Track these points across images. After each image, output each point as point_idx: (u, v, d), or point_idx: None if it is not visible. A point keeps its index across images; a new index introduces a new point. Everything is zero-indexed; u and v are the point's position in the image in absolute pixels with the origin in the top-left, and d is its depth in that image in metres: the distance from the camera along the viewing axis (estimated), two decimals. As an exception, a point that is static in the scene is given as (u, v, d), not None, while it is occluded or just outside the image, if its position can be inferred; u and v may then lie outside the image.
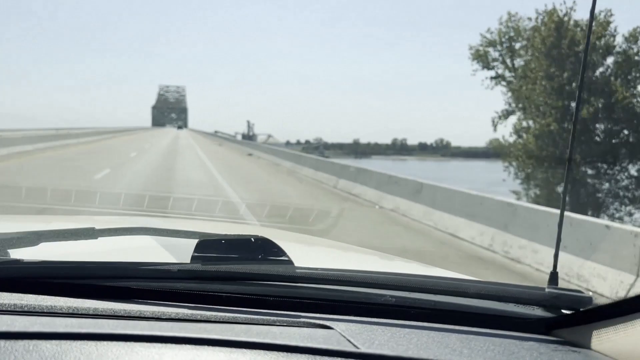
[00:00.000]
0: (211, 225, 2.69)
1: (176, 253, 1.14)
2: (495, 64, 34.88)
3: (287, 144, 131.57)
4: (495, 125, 34.40)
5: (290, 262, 1.01)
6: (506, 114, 34.18)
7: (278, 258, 1.02)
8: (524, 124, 29.89)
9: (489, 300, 0.96)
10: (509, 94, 34.07)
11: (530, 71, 27.55)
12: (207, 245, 1.02)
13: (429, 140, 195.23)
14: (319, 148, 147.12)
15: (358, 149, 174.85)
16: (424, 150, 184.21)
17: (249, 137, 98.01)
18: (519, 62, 33.98)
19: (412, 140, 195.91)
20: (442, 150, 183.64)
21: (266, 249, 1.02)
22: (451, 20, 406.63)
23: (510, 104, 34.31)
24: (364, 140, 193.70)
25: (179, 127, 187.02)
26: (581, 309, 0.93)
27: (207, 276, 0.96)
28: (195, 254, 0.99)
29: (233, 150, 38.88)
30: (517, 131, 29.37)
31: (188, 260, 0.98)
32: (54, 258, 1.00)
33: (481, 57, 34.38)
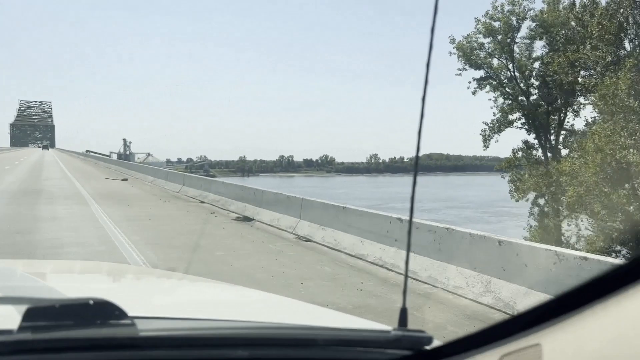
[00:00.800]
0: (74, 269, 2.53)
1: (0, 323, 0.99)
2: (489, 60, 29.81)
3: (168, 162, 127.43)
4: (487, 140, 30.14)
5: (132, 324, 0.92)
6: (499, 126, 30.08)
7: (119, 322, 0.92)
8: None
9: (338, 346, 0.98)
10: (500, 99, 29.91)
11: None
12: (38, 312, 0.88)
13: (314, 156, 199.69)
14: (204, 166, 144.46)
15: (245, 167, 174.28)
16: (310, 166, 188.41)
17: (125, 157, 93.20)
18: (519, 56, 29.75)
19: (298, 157, 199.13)
20: (327, 166, 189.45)
21: (106, 311, 0.92)
22: (328, 40, 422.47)
23: (505, 113, 30.09)
24: (250, 157, 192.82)
25: (44, 147, 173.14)
26: (423, 349, 0.97)
27: (38, 347, 0.86)
28: (24, 323, 0.86)
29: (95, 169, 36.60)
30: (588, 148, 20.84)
31: (15, 330, 0.87)
32: None
33: (467, 54, 29.71)
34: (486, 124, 30.41)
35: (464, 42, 29.85)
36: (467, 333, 0.90)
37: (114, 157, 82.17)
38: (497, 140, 30.34)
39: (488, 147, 30.43)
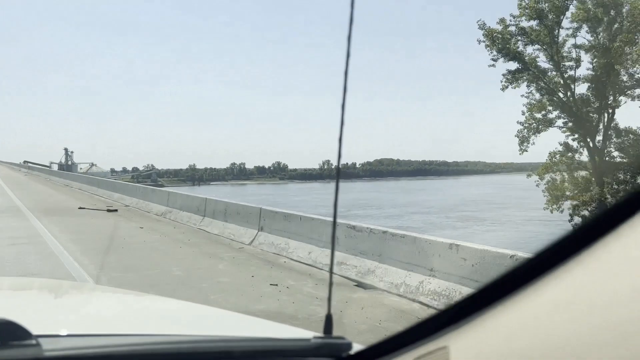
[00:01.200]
0: None
1: None
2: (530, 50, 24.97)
3: (112, 172, 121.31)
4: (524, 142, 25.65)
5: (37, 345, 0.88)
6: (538, 126, 25.42)
7: (22, 342, 0.87)
8: None
9: (255, 358, 0.96)
10: (536, 94, 25.17)
11: None
12: None
13: (267, 163, 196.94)
14: (152, 176, 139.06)
15: (195, 175, 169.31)
16: (262, 173, 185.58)
17: (67, 167, 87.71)
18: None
19: (250, 164, 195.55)
20: (279, 173, 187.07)
21: (7, 332, 0.87)
22: (275, 46, 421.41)
23: (549, 110, 25.19)
24: (200, 165, 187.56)
25: None
26: (343, 355, 0.97)
27: None
28: None
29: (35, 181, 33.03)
30: None
31: None
32: None
33: (505, 39, 24.96)
34: (521, 123, 26.35)
35: (501, 27, 25.50)
36: (385, 337, 0.91)
37: (55, 167, 76.86)
38: (534, 143, 26.29)
39: (526, 151, 26.38)
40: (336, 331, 1.03)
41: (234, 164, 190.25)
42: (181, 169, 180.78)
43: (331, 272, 1.09)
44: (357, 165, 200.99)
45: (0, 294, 2.06)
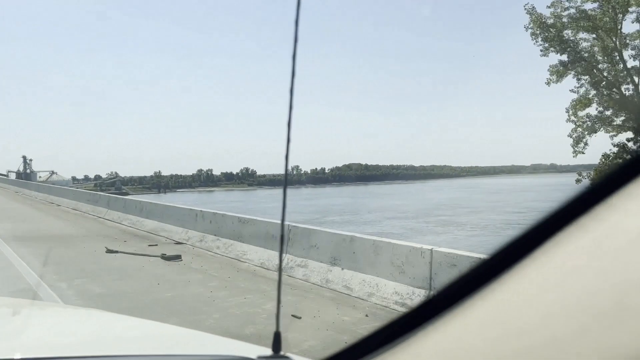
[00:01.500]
0: None
1: None
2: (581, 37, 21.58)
3: (74, 180, 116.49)
4: (578, 143, 22.70)
5: None
6: (592, 125, 22.58)
7: None
8: None
9: None
10: (590, 89, 22.05)
11: None
12: None
13: (235, 169, 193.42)
14: (116, 184, 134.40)
15: (161, 182, 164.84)
16: (230, 180, 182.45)
17: (26, 176, 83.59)
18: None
19: (218, 171, 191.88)
20: (248, 179, 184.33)
21: None
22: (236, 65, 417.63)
23: (603, 107, 22.25)
24: (166, 172, 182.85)
25: None
26: None
27: None
28: None
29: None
30: None
31: None
32: None
33: (547, 27, 21.75)
34: (575, 122, 23.81)
35: (556, 12, 22.30)
36: (333, 352, 0.91)
37: (13, 176, 73.03)
38: (587, 145, 23.60)
39: (583, 153, 23.86)
40: (288, 349, 1.01)
41: (200, 170, 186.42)
42: (146, 176, 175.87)
43: (279, 289, 1.06)
44: (327, 171, 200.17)
45: None
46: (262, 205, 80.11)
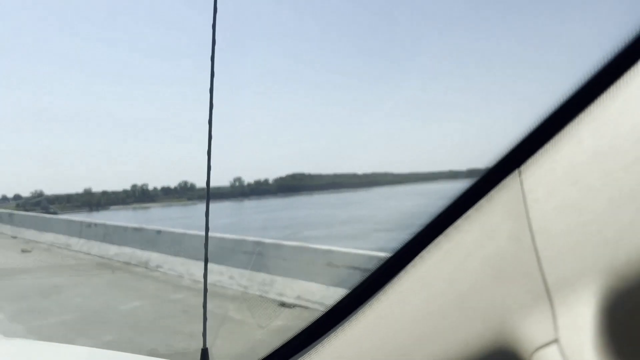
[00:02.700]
0: None
1: None
2: None
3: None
4: None
5: None
6: None
7: None
8: None
9: None
10: None
11: None
12: None
13: (172, 184, 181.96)
14: (41, 202, 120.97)
15: (92, 200, 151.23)
16: (167, 194, 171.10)
17: None
18: None
19: (154, 185, 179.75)
20: (187, 193, 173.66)
21: None
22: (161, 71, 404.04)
23: None
24: (97, 188, 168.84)
25: None
26: None
27: None
28: None
29: None
30: None
31: None
32: None
33: None
34: None
35: None
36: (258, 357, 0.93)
37: None
38: None
39: None
40: None
41: (135, 185, 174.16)
42: (74, 194, 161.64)
43: (205, 302, 1.03)
44: (270, 182, 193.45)
45: None
46: (216, 222, 71.94)
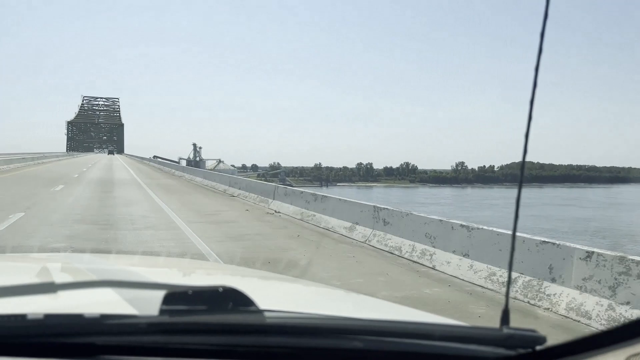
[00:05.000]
0: (175, 265, 2.61)
1: (141, 306, 1.04)
2: None
3: (240, 169, 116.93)
4: None
5: (259, 311, 0.98)
6: None
7: (247, 308, 0.98)
8: None
9: (451, 342, 0.99)
10: None
11: None
12: (175, 297, 0.96)
13: (394, 164, 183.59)
14: (280, 175, 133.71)
15: (322, 175, 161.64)
16: (390, 175, 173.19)
17: (195, 164, 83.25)
18: None
19: (378, 165, 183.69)
20: (409, 175, 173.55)
21: (235, 299, 0.99)
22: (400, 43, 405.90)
23: None
24: (325, 164, 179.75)
25: (110, 152, 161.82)
26: (536, 348, 0.96)
27: (175, 329, 0.93)
28: (164, 307, 0.94)
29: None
30: None
31: (155, 314, 0.94)
32: None
33: None
34: None
35: None
36: (586, 334, 0.91)
37: (183, 163, 72.40)
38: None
39: None
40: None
41: (360, 164, 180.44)
42: (306, 167, 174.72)
43: (510, 268, 1.09)
44: (496, 168, 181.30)
45: (199, 272, 2.20)
46: (436, 208, 68.68)
